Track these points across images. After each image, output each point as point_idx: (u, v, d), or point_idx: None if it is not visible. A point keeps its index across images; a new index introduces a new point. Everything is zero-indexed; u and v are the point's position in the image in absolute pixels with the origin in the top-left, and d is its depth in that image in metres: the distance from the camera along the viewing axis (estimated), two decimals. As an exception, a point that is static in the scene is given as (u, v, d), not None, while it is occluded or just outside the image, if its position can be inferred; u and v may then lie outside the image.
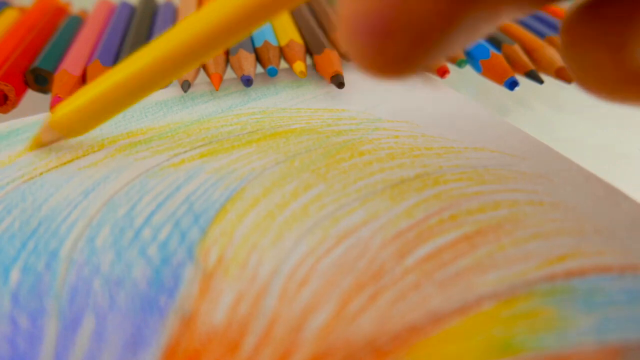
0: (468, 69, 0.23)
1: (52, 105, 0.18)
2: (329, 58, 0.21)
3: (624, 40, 0.09)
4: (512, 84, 0.20)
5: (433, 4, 0.08)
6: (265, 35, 0.22)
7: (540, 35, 0.24)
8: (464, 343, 0.11)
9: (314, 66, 0.22)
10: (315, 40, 0.22)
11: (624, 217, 0.14)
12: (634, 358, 0.11)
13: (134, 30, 0.23)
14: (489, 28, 0.09)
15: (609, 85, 0.10)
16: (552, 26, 0.25)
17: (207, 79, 0.21)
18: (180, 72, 0.14)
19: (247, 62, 0.21)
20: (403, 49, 0.09)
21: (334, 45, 0.23)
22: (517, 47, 0.22)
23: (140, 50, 0.15)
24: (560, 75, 0.21)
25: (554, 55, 0.22)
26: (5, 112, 0.19)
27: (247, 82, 0.20)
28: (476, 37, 0.09)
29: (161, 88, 0.15)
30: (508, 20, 0.09)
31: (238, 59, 0.21)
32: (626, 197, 0.15)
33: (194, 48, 0.14)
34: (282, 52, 0.22)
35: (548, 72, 0.21)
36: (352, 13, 0.09)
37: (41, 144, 0.17)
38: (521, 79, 0.22)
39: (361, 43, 0.09)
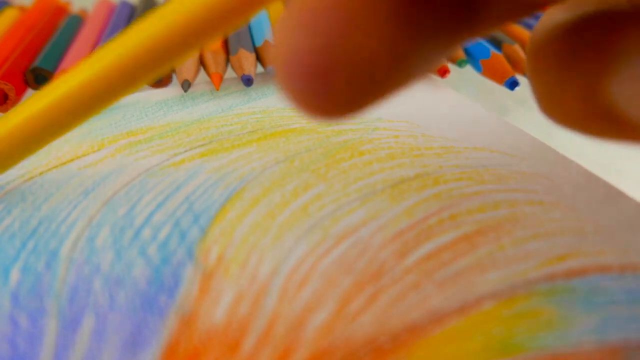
0: (468, 69, 0.23)
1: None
2: (329, 58, 0.21)
3: (597, 72, 0.08)
4: (512, 84, 0.20)
5: (377, 41, 0.07)
6: (265, 35, 0.22)
7: (541, 35, 0.24)
8: (464, 343, 0.11)
9: (314, 66, 0.22)
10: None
11: (624, 217, 0.14)
12: (634, 358, 0.11)
13: (134, 29, 0.23)
14: (442, 59, 0.08)
15: (574, 118, 0.09)
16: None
17: (207, 78, 0.21)
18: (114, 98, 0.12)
19: (248, 62, 0.21)
20: (346, 90, 0.08)
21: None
22: (517, 47, 0.22)
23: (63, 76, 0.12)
24: (561, 75, 0.21)
25: (554, 55, 0.21)
26: (5, 111, 0.19)
27: (248, 81, 0.20)
28: (428, 70, 0.08)
29: (98, 111, 0.12)
30: (469, 42, 0.09)
31: (238, 58, 0.21)
32: (626, 197, 0.15)
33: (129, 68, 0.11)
34: (282, 52, 0.22)
35: (548, 72, 0.21)
36: (287, 52, 0.08)
37: None
38: (521, 78, 0.22)
39: (298, 85, 0.08)
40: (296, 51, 0.07)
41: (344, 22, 0.07)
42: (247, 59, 0.21)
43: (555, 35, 0.09)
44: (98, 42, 0.23)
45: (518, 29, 0.24)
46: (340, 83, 0.07)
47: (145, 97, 0.20)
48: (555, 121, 0.09)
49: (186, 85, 0.19)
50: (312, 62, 0.07)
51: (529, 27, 0.25)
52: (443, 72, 0.21)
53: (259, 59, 0.22)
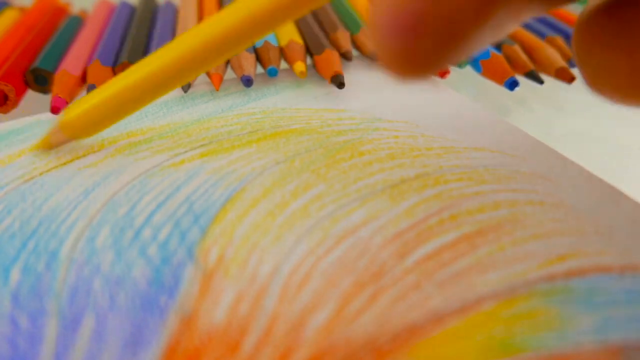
0: (468, 69, 0.23)
1: (53, 105, 0.18)
2: (329, 58, 0.21)
3: None
4: (512, 84, 0.20)
5: (462, 2, 0.08)
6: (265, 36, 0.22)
7: (541, 35, 0.24)
8: (464, 343, 0.11)
9: (314, 66, 0.22)
10: (315, 41, 0.22)
11: (624, 217, 0.14)
12: (634, 358, 0.11)
13: (134, 30, 0.23)
14: (513, 26, 0.09)
15: (622, 89, 0.10)
16: (552, 26, 0.25)
17: (207, 79, 0.21)
18: (190, 76, 0.15)
19: (247, 62, 0.21)
20: (433, 48, 0.09)
21: (334, 45, 0.23)
22: (517, 47, 0.22)
23: (152, 54, 0.15)
24: (560, 75, 0.21)
25: (554, 55, 0.22)
26: (5, 112, 0.19)
27: (248, 82, 0.20)
28: (500, 35, 0.09)
29: (171, 91, 0.15)
30: (529, 18, 0.10)
31: (238, 59, 0.21)
32: (626, 197, 0.15)
33: (203, 51, 0.14)
34: (282, 53, 0.22)
35: (548, 72, 0.21)
36: (383, 12, 0.09)
37: (49, 145, 0.17)
38: (521, 79, 0.22)
39: (392, 43, 0.09)
40: (391, 12, 0.09)
41: None
42: (246, 59, 0.21)
43: (602, 12, 0.10)
44: (98, 42, 0.23)
45: (518, 29, 0.24)
46: (430, 40, 0.09)
47: (145, 97, 0.20)
48: (603, 95, 0.10)
49: (186, 86, 0.19)
50: (405, 21, 0.09)
51: (528, 27, 0.25)
52: (443, 73, 0.21)
53: (258, 59, 0.22)
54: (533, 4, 0.09)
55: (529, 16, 0.09)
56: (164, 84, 0.15)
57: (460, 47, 0.09)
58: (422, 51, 0.09)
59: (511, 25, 0.09)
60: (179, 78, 0.15)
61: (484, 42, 0.09)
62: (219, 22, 0.14)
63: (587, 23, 0.10)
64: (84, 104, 0.16)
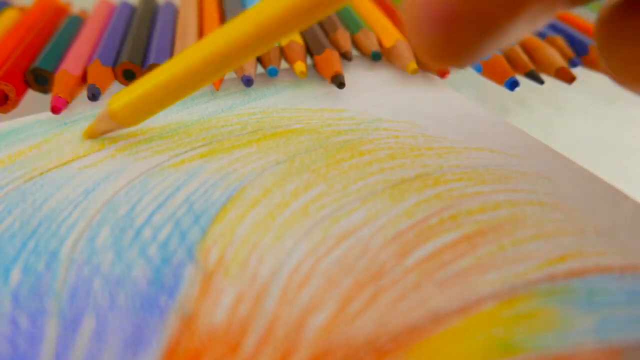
0: (468, 69, 0.23)
1: (53, 105, 0.18)
2: (330, 58, 0.21)
3: None
4: (512, 84, 0.20)
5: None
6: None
7: (541, 35, 0.24)
8: (464, 343, 0.11)
9: (315, 66, 0.22)
10: (315, 41, 0.22)
11: (624, 217, 0.14)
12: (634, 358, 0.11)
13: (134, 30, 0.23)
14: (547, 18, 0.09)
15: None
16: (552, 26, 0.25)
17: (207, 79, 0.21)
18: (237, 64, 0.15)
19: (248, 62, 0.21)
20: (470, 38, 0.09)
21: (334, 45, 0.23)
22: (517, 48, 0.22)
23: (199, 42, 0.15)
24: (561, 75, 0.21)
25: (554, 55, 0.22)
26: (5, 111, 0.19)
27: (248, 82, 0.20)
28: (534, 27, 0.10)
29: (217, 79, 0.16)
30: (559, 11, 0.10)
31: (238, 59, 0.21)
32: (626, 197, 0.15)
33: (251, 40, 0.14)
34: (282, 52, 0.22)
35: (548, 72, 0.21)
36: (420, 5, 0.09)
37: (95, 133, 0.17)
38: (521, 79, 0.22)
39: (429, 31, 0.09)
40: (429, 2, 0.09)
41: None
42: (247, 59, 0.21)
43: (626, 5, 0.10)
44: (98, 42, 0.23)
45: (518, 29, 0.24)
46: (467, 30, 0.09)
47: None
48: (627, 87, 0.10)
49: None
50: (442, 11, 0.09)
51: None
52: (443, 73, 0.21)
53: (259, 59, 0.22)
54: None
55: (561, 9, 0.10)
56: (211, 71, 0.15)
57: (495, 40, 0.09)
58: (458, 43, 0.09)
59: (545, 18, 0.09)
60: (227, 64, 0.15)
61: (518, 34, 0.09)
62: (267, 8, 0.14)
63: (611, 16, 0.10)
64: (132, 91, 0.16)
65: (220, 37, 0.15)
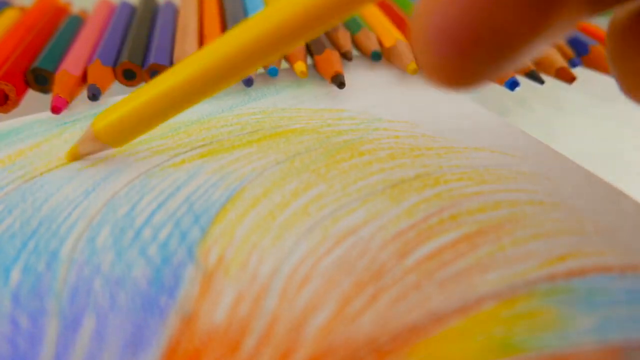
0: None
1: (53, 105, 0.18)
2: (330, 58, 0.21)
3: None
4: (512, 84, 0.20)
5: (518, 14, 0.08)
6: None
7: (541, 35, 0.24)
8: (464, 343, 0.11)
9: (315, 66, 0.22)
10: (315, 41, 0.22)
11: (624, 217, 0.14)
12: (634, 358, 0.11)
13: (135, 30, 0.23)
14: (566, 33, 0.09)
15: None
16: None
17: (207, 78, 0.21)
18: (227, 82, 0.14)
19: (248, 62, 0.21)
20: (488, 59, 0.08)
21: (334, 45, 0.23)
22: (517, 47, 0.22)
23: (190, 57, 0.14)
24: (561, 75, 0.21)
25: (554, 55, 0.22)
26: (6, 111, 0.19)
27: (248, 82, 0.20)
28: (550, 44, 0.09)
29: (207, 97, 0.15)
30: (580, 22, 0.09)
31: (238, 59, 0.21)
32: (627, 197, 0.15)
33: (244, 55, 0.13)
34: (282, 52, 0.22)
35: (548, 73, 0.21)
36: (431, 23, 0.08)
37: (79, 155, 0.16)
38: (522, 79, 0.22)
39: (442, 53, 0.08)
40: (441, 23, 0.08)
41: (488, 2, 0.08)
42: (247, 59, 0.21)
43: (637, 19, 0.09)
44: (98, 42, 0.23)
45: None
46: (481, 53, 0.08)
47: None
48: (637, 100, 0.10)
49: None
50: (456, 32, 0.08)
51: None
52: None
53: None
54: (583, 12, 0.09)
55: (580, 21, 0.09)
56: (203, 88, 0.14)
57: (515, 59, 0.09)
58: (474, 65, 0.09)
59: (564, 33, 0.09)
60: (219, 83, 0.14)
61: (537, 51, 0.09)
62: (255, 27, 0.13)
63: (621, 29, 0.10)
64: (118, 110, 0.15)
65: (210, 53, 0.14)
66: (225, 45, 0.13)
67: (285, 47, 0.13)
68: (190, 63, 0.14)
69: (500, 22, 0.08)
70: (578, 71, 0.23)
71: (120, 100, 0.15)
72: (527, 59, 0.09)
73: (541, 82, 0.21)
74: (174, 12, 0.26)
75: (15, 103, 0.19)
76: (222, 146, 0.17)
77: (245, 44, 0.13)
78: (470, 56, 0.08)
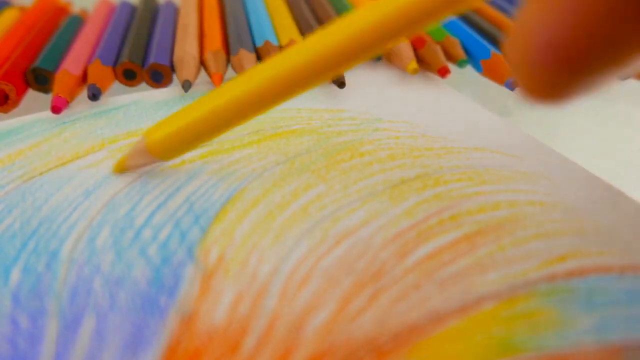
0: (468, 69, 0.23)
1: (54, 105, 0.18)
2: (330, 58, 0.21)
3: None
4: (512, 84, 0.20)
5: (629, 25, 0.08)
6: (266, 35, 0.22)
7: (541, 35, 0.24)
8: (464, 343, 0.11)
9: (315, 66, 0.22)
10: (315, 40, 0.22)
11: (624, 217, 0.14)
12: (634, 358, 0.11)
13: (135, 29, 0.23)
14: None
15: None
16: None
17: (207, 78, 0.21)
18: (283, 97, 0.13)
19: (248, 62, 0.21)
20: (595, 75, 0.08)
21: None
22: (517, 47, 0.22)
23: (245, 73, 0.14)
24: (561, 75, 0.21)
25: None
26: (6, 111, 0.19)
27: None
28: None
29: (264, 111, 0.14)
30: None
31: (239, 59, 0.21)
32: (626, 197, 0.15)
33: (305, 72, 0.12)
34: (282, 52, 0.22)
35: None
36: (539, 37, 0.08)
37: (127, 168, 0.16)
38: (521, 79, 0.22)
39: (548, 68, 0.08)
40: (556, 38, 0.08)
41: (600, 15, 0.08)
42: (247, 59, 0.21)
43: None
44: (98, 42, 0.23)
45: (518, 29, 0.24)
46: (593, 67, 0.08)
47: (145, 97, 0.20)
48: None
49: (187, 85, 0.19)
50: (571, 47, 0.08)
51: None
52: (443, 73, 0.21)
53: (259, 59, 0.22)
54: None
55: None
56: (256, 105, 0.13)
57: (620, 70, 0.08)
58: (580, 81, 0.08)
59: None
60: (279, 96, 0.13)
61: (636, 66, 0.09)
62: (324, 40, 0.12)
63: None
64: (172, 124, 0.15)
65: (268, 68, 0.13)
66: (290, 56, 0.13)
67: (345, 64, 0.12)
68: (244, 80, 0.13)
69: (611, 34, 0.08)
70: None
71: (174, 114, 0.15)
72: (631, 71, 0.09)
73: (541, 82, 0.20)
74: (174, 12, 0.26)
75: (15, 103, 0.19)
76: (222, 147, 0.17)
77: (303, 58, 0.12)
78: (578, 74, 0.08)
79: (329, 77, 0.13)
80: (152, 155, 0.15)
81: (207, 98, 0.14)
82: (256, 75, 0.13)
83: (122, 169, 0.16)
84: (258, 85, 0.13)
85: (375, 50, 0.12)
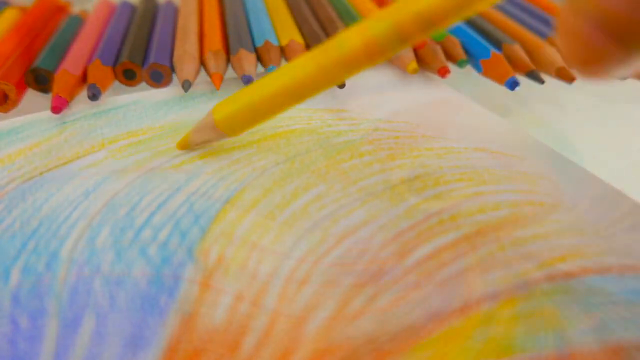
0: (468, 69, 0.23)
1: (54, 105, 0.18)
2: (330, 58, 0.21)
3: None
4: (512, 84, 0.20)
5: None
6: (266, 35, 0.22)
7: (541, 35, 0.24)
8: (464, 343, 0.11)
9: (315, 66, 0.22)
10: (315, 40, 0.22)
11: (624, 217, 0.14)
12: (634, 358, 0.11)
13: (135, 29, 0.23)
14: None
15: None
16: (552, 26, 0.25)
17: (207, 78, 0.21)
18: (351, 73, 0.14)
19: (248, 62, 0.21)
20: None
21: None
22: (517, 47, 0.22)
23: (309, 53, 0.14)
24: (561, 75, 0.21)
25: (554, 54, 0.22)
26: (5, 111, 0.19)
27: (248, 81, 0.20)
28: None
29: (325, 89, 0.14)
30: None
31: (239, 58, 0.21)
32: (626, 197, 0.15)
33: (376, 47, 0.13)
34: (282, 52, 0.22)
35: (549, 72, 0.21)
36: (597, 13, 0.09)
37: (191, 144, 0.16)
38: (522, 78, 0.22)
39: (600, 43, 0.09)
40: (608, 11, 0.09)
41: None
42: (247, 59, 0.21)
43: None
44: (98, 41, 0.23)
45: (519, 29, 0.24)
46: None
47: (145, 97, 0.20)
48: None
49: (187, 85, 0.19)
50: (624, 23, 0.08)
51: (529, 27, 0.25)
52: (443, 72, 0.21)
53: (259, 59, 0.22)
54: None
55: None
56: (321, 82, 0.14)
57: None
58: (626, 57, 0.09)
59: None
60: (344, 73, 0.14)
61: None
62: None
63: None
64: (239, 101, 0.15)
65: (330, 49, 0.14)
66: (347, 39, 0.13)
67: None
68: (308, 58, 0.14)
69: None
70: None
71: (241, 90, 0.15)
72: None
73: (542, 81, 0.21)
74: (174, 12, 0.26)
75: (15, 103, 0.19)
76: (222, 147, 0.17)
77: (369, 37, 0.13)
78: (628, 44, 0.09)
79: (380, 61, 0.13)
80: (220, 130, 0.16)
81: (274, 76, 0.15)
82: (315, 56, 0.14)
83: (185, 145, 0.16)
84: (316, 66, 0.14)
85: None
